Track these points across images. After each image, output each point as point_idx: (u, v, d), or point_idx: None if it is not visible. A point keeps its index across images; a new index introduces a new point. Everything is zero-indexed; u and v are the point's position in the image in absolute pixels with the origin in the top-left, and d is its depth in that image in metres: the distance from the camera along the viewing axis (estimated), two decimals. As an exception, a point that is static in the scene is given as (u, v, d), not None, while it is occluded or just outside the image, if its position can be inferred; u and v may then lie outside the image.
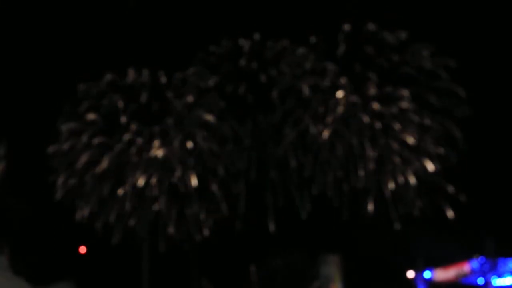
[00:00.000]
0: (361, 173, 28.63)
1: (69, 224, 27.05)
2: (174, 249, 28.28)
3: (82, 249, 29.80)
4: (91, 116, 28.35)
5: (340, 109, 29.18)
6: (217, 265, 24.86)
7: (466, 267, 27.56)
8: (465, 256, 27.49)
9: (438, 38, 29.02)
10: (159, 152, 28.45)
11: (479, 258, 26.96)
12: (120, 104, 28.51)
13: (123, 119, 28.45)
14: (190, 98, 29.23)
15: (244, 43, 30.11)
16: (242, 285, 24.17)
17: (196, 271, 28.33)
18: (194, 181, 28.45)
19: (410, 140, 28.95)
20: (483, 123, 28.68)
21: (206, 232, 28.42)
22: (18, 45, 25.30)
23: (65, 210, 27.15)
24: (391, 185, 28.50)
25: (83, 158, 28.11)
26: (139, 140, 28.57)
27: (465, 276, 27.87)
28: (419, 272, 29.47)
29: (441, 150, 28.66)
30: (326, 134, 28.86)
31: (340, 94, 29.31)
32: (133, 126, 28.55)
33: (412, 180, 28.49)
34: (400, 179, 28.70)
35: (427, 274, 29.19)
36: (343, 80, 29.40)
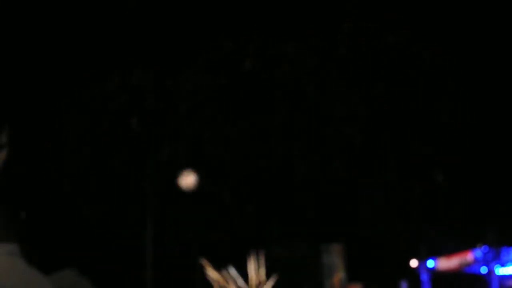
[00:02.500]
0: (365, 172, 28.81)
1: (72, 222, 27.27)
2: (179, 251, 28.38)
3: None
4: (95, 117, 28.62)
5: (342, 109, 29.36)
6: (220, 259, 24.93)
7: (469, 256, 27.53)
8: (468, 245, 27.48)
9: (441, 38, 29.17)
10: (164, 155, 28.69)
11: (482, 247, 26.94)
12: (125, 105, 28.79)
13: (128, 120, 28.69)
14: (193, 100, 29.47)
15: (247, 44, 30.35)
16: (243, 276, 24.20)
17: (201, 273, 28.26)
18: (202, 183, 28.57)
19: (413, 140, 29.10)
20: (484, 120, 28.80)
21: (213, 235, 28.57)
22: (23, 45, 25.68)
23: (68, 208, 27.38)
24: (394, 181, 28.66)
25: (88, 159, 28.36)
26: (144, 142, 28.81)
27: (468, 265, 27.84)
28: (422, 261, 29.49)
29: (444, 149, 28.81)
30: (329, 134, 29.05)
31: (342, 94, 29.50)
32: (138, 128, 28.80)
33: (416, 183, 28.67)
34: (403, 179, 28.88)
35: (430, 263, 29.20)
36: (344, 80, 29.58)
